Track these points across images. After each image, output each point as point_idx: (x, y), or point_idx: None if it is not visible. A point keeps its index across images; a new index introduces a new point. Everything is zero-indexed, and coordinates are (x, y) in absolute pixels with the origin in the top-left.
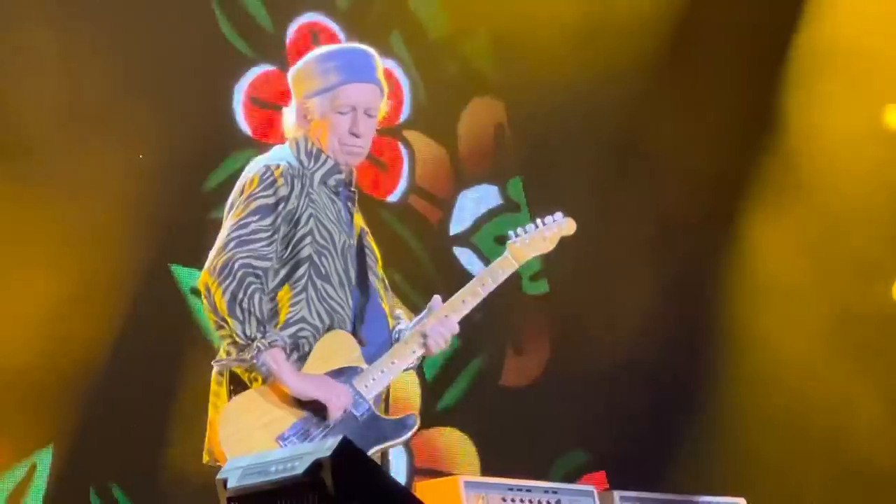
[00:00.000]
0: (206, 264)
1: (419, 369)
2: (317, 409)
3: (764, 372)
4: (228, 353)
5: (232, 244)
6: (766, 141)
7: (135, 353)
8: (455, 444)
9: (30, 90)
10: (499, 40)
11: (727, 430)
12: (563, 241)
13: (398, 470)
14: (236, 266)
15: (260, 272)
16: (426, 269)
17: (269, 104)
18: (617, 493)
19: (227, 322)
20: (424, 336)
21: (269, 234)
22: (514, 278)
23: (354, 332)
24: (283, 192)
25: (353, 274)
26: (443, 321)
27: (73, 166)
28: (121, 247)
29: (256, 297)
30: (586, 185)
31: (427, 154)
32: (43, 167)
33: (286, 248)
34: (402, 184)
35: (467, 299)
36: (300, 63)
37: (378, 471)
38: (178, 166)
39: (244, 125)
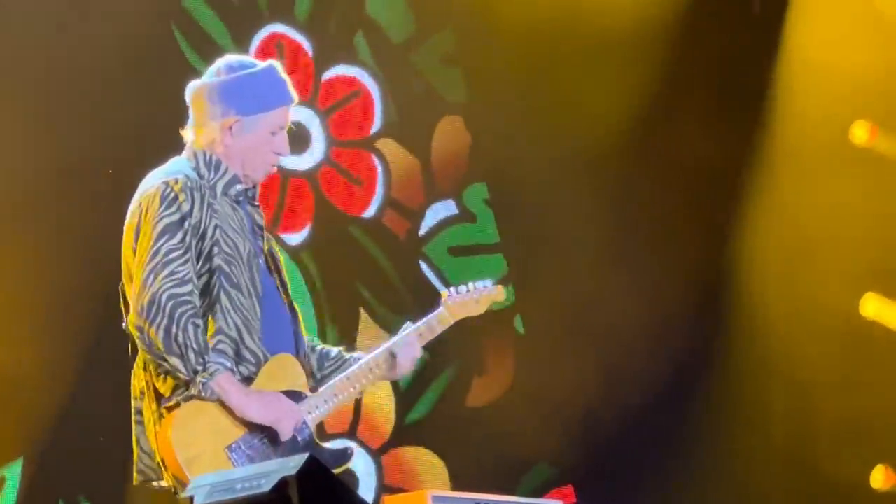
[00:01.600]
0: (132, 305)
1: (394, 382)
2: (263, 426)
3: (743, 386)
4: (176, 388)
5: (150, 278)
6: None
7: (104, 365)
8: (424, 462)
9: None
10: (463, 42)
11: (696, 446)
12: (533, 253)
13: (367, 488)
14: (163, 300)
15: (187, 296)
16: (395, 285)
17: None
18: None
19: (166, 361)
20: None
21: (181, 251)
22: None
23: (297, 355)
24: (186, 206)
25: (258, 284)
26: (410, 349)
27: (37, 175)
28: (88, 259)
29: (190, 328)
30: (554, 195)
31: (400, 163)
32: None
33: (198, 261)
34: (377, 197)
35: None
36: (225, 79)
37: (343, 488)
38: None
39: None
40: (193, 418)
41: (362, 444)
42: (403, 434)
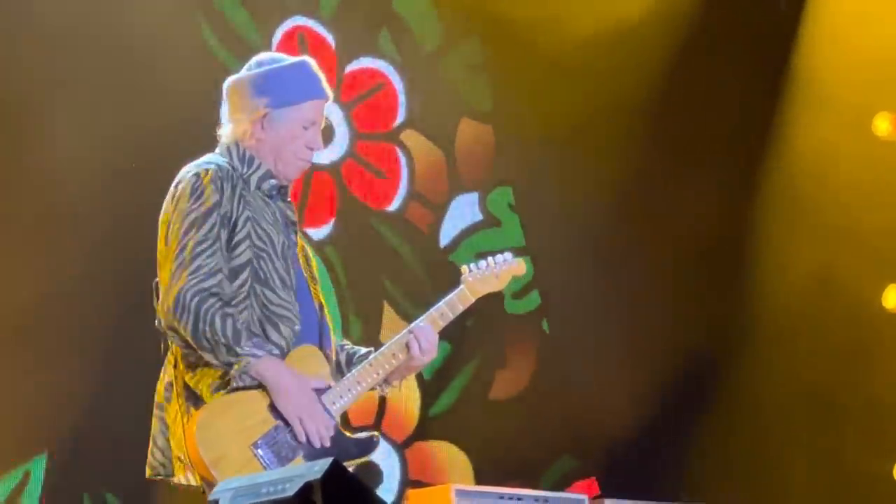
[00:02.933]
0: (162, 304)
1: (419, 373)
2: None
3: (767, 378)
4: (225, 374)
5: (177, 274)
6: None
7: (128, 359)
8: (448, 456)
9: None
10: (488, 47)
11: (719, 437)
12: (557, 255)
13: (391, 482)
14: (188, 297)
15: (214, 289)
16: (419, 279)
17: None
18: (608, 502)
19: (202, 356)
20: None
21: (209, 242)
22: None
23: (321, 347)
24: (215, 197)
25: (294, 276)
26: (425, 334)
27: (57, 164)
28: (111, 254)
29: (217, 321)
30: (578, 197)
31: (424, 156)
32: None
33: (228, 252)
34: (402, 190)
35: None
36: (259, 67)
37: (367, 492)
38: (165, 177)
39: None
40: (218, 417)
41: (387, 438)
42: (427, 428)
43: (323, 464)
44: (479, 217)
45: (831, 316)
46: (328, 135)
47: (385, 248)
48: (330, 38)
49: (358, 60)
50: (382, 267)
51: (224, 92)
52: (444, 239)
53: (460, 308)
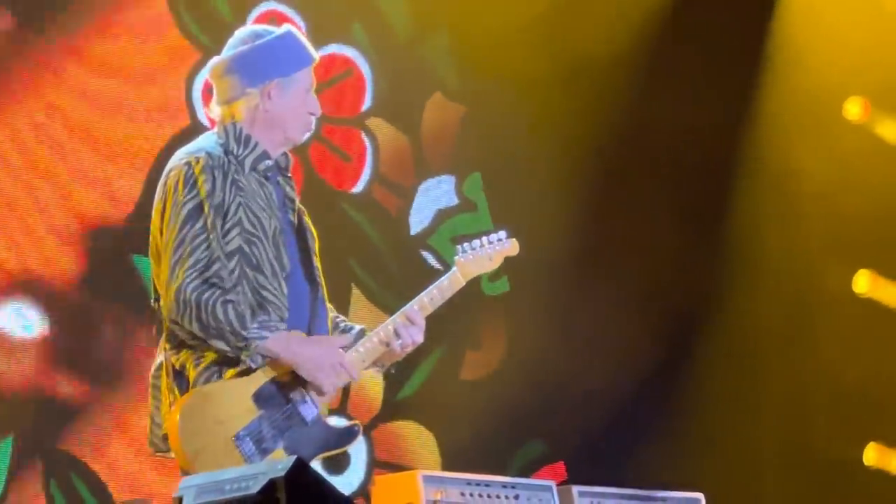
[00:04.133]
0: (163, 300)
1: None
2: (271, 409)
3: (737, 363)
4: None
5: (176, 269)
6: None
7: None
8: (415, 437)
9: None
10: (461, 32)
11: (689, 423)
12: (525, 237)
13: (358, 463)
14: (188, 292)
15: (213, 279)
16: (386, 261)
17: None
18: (576, 489)
19: (212, 346)
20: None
21: (205, 235)
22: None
23: (309, 331)
24: (207, 186)
25: (286, 261)
26: (412, 316)
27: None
28: (83, 241)
29: (219, 309)
30: (547, 181)
31: (390, 142)
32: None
33: (222, 239)
34: (366, 173)
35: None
36: (254, 45)
37: (331, 490)
38: (138, 158)
39: (203, 117)
40: (200, 408)
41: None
42: (394, 409)
43: (287, 462)
44: (455, 201)
45: (802, 301)
46: None
47: (352, 230)
48: (301, 24)
49: (328, 47)
50: (349, 249)
51: (214, 71)
52: (416, 223)
53: (450, 292)
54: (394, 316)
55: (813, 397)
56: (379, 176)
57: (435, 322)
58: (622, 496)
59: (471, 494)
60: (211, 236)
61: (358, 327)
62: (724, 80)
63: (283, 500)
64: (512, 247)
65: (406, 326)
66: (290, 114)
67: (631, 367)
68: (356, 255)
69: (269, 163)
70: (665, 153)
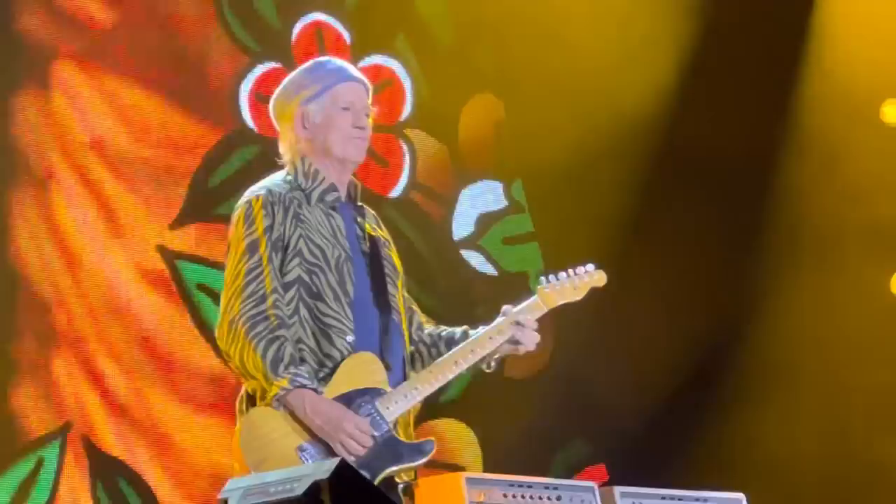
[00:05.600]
0: (217, 329)
1: None
2: None
3: (776, 365)
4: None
5: (232, 300)
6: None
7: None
8: (457, 435)
9: None
10: (503, 39)
11: (731, 424)
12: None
13: None
14: (240, 324)
15: (268, 311)
16: (430, 266)
17: None
18: (618, 490)
19: (247, 380)
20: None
21: (261, 269)
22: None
23: (382, 355)
24: (267, 222)
25: (349, 287)
26: (522, 319)
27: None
28: (131, 241)
29: (261, 348)
30: (587, 184)
31: (428, 151)
32: None
33: (280, 271)
34: (403, 180)
35: (494, 336)
36: (285, 83)
37: (376, 492)
38: (184, 162)
39: (250, 121)
40: (263, 421)
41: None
42: (437, 406)
43: (331, 463)
44: (505, 204)
45: (839, 301)
46: None
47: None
48: (346, 35)
49: (370, 57)
50: None
51: (272, 114)
52: (459, 228)
53: (530, 319)
54: (461, 345)
55: (851, 398)
56: (416, 183)
57: (482, 322)
58: (664, 497)
59: (513, 496)
60: (267, 269)
61: (459, 330)
62: (761, 88)
63: (328, 503)
64: (599, 277)
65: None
66: (331, 133)
67: (673, 368)
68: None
69: (336, 195)
70: (703, 160)
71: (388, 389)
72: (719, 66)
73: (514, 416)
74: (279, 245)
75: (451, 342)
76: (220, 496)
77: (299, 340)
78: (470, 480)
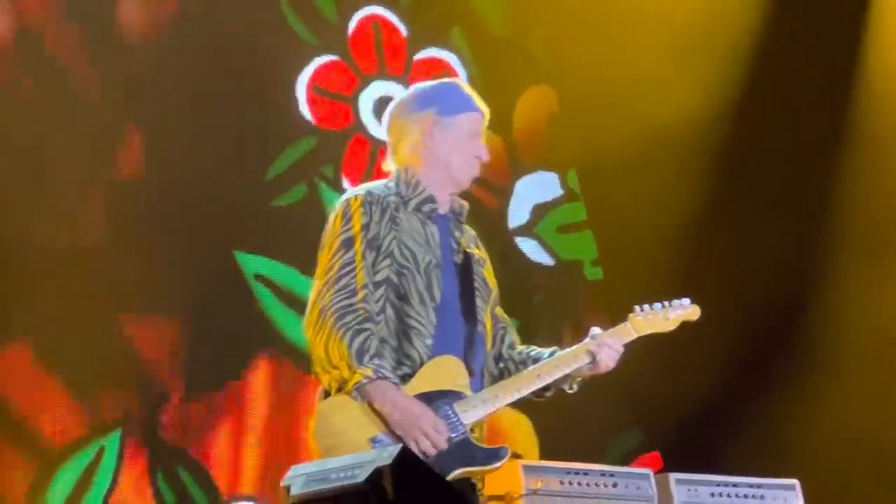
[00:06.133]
0: (304, 319)
1: None
2: None
3: (829, 352)
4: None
5: (323, 290)
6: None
7: (200, 333)
8: (515, 424)
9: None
10: (557, 31)
11: (784, 412)
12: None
13: None
14: (328, 314)
15: (356, 305)
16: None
17: (331, 93)
18: (673, 476)
19: (329, 370)
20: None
21: (354, 264)
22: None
23: (466, 363)
24: (364, 220)
25: (436, 293)
26: (610, 343)
27: (140, 153)
28: (182, 236)
29: (347, 338)
30: (641, 171)
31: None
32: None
33: (372, 269)
34: None
35: (579, 356)
36: (409, 96)
37: (436, 479)
38: (242, 154)
39: (307, 113)
40: (339, 410)
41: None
42: None
43: (393, 450)
44: (560, 193)
45: (888, 294)
46: None
47: None
48: (402, 28)
49: (426, 50)
50: None
51: (384, 123)
52: (515, 219)
53: (618, 344)
54: (546, 360)
55: None
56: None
57: (539, 310)
58: (718, 484)
59: (569, 483)
60: (360, 265)
61: (548, 351)
62: (813, 93)
63: (390, 489)
64: (693, 311)
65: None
66: (455, 155)
67: (727, 356)
68: None
69: (433, 206)
70: (759, 156)
71: (469, 394)
72: (776, 61)
73: (570, 406)
74: (374, 244)
75: (538, 361)
76: (283, 482)
77: (382, 339)
78: (527, 468)
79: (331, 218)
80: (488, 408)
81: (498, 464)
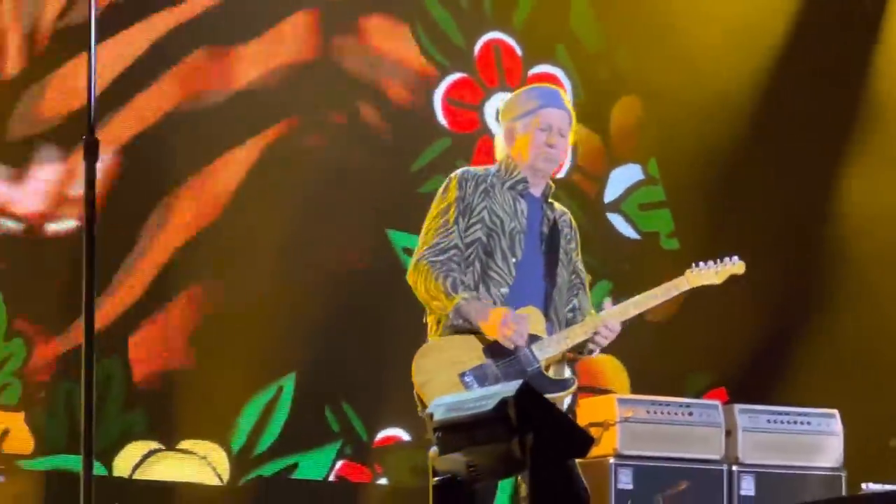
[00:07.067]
0: (409, 270)
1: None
2: (497, 358)
3: (866, 296)
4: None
5: (421, 246)
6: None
7: (356, 297)
8: (611, 367)
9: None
10: (642, 47)
11: (827, 351)
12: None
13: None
14: (423, 263)
15: (444, 258)
16: (587, 231)
17: (461, 103)
18: (737, 407)
19: (429, 305)
20: (596, 332)
21: (448, 227)
22: (655, 236)
23: (546, 311)
24: (459, 192)
25: (518, 251)
26: (610, 324)
27: (305, 154)
28: (345, 216)
29: (440, 278)
30: (706, 159)
31: (586, 140)
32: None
33: (465, 232)
34: (567, 164)
35: (640, 304)
36: (509, 97)
37: (552, 408)
38: (392, 152)
39: (442, 120)
40: (434, 351)
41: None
42: None
43: (516, 384)
44: (642, 177)
45: None
46: None
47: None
48: (518, 48)
49: (539, 66)
50: None
51: (496, 121)
52: (612, 196)
53: (674, 293)
54: (613, 307)
55: None
56: (577, 166)
57: (629, 275)
58: (772, 412)
59: (654, 412)
60: (453, 229)
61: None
62: (843, 80)
63: (514, 416)
64: (739, 266)
65: (602, 332)
66: (529, 145)
67: (779, 308)
68: None
69: (525, 185)
70: (790, 135)
71: (545, 336)
72: (802, 65)
73: (655, 351)
74: (466, 212)
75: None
76: (427, 411)
77: (468, 287)
78: (620, 400)
79: (439, 190)
80: (560, 347)
81: (563, 392)
